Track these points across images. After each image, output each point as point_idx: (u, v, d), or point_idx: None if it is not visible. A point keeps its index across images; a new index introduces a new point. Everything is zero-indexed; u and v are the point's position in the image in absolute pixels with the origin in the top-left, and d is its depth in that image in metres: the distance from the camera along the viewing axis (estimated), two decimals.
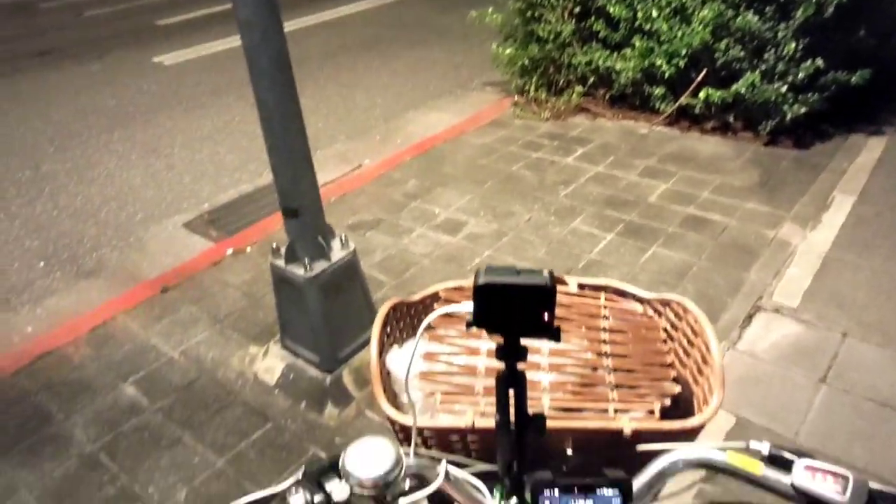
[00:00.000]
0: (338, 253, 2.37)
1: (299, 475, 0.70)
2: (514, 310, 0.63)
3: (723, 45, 4.05)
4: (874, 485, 0.62)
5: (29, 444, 2.31)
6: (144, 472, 2.18)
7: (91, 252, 3.54)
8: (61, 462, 2.23)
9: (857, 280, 2.87)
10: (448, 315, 0.99)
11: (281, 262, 2.35)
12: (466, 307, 0.65)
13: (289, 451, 2.23)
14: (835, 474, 0.62)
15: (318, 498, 0.65)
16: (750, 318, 2.70)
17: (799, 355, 2.47)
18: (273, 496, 0.68)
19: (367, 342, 2.51)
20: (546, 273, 0.62)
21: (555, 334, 0.64)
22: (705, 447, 0.71)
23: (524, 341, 0.66)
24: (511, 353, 0.66)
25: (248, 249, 3.42)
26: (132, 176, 4.41)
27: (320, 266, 2.31)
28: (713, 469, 0.70)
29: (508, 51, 5.04)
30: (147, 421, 2.38)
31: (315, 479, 0.67)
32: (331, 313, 2.37)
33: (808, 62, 3.85)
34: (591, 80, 4.89)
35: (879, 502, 0.61)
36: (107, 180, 4.36)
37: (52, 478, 2.18)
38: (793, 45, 3.84)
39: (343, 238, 2.40)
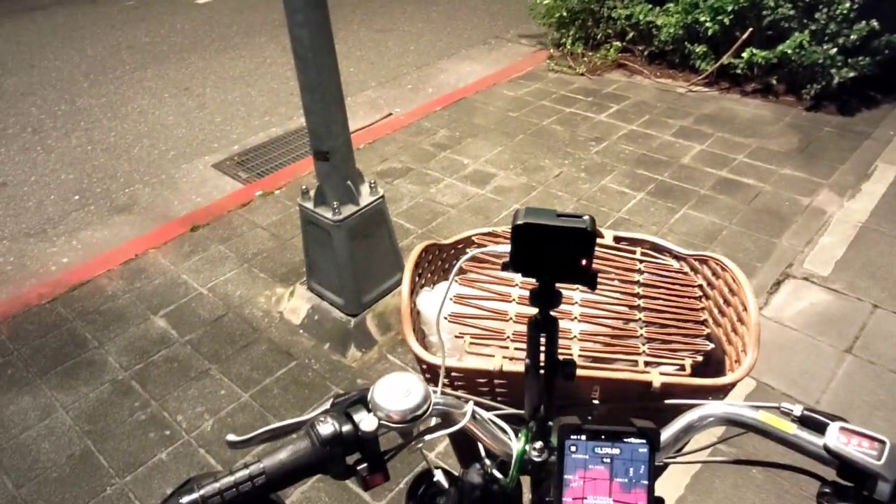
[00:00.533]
0: (366, 198, 2.37)
1: (328, 405, 0.71)
2: (552, 253, 0.62)
3: (772, 1, 3.87)
4: None
5: (65, 368, 2.40)
6: (174, 400, 2.26)
7: (124, 188, 3.59)
8: (95, 386, 2.32)
9: (894, 252, 2.79)
10: (481, 260, 0.99)
11: (310, 205, 2.35)
12: (502, 249, 0.65)
13: (312, 389, 2.28)
14: (871, 438, 0.61)
15: (346, 427, 0.66)
16: (778, 284, 2.65)
17: (826, 324, 2.44)
18: (302, 423, 0.69)
19: (391, 288, 2.54)
20: (587, 217, 0.60)
21: (591, 281, 0.63)
22: (737, 404, 0.70)
23: (559, 287, 0.66)
24: (545, 299, 0.66)
25: (277, 192, 3.44)
26: (164, 114, 4.42)
27: (348, 210, 2.31)
28: (743, 426, 0.70)
29: (547, 1, 4.88)
30: (176, 352, 2.45)
31: (344, 410, 0.68)
32: (357, 257, 2.39)
33: (863, 23, 3.66)
34: (631, 35, 4.73)
35: None
36: (140, 117, 4.39)
37: (88, 400, 2.27)
38: (847, 3, 3.65)
39: (372, 184, 2.40)
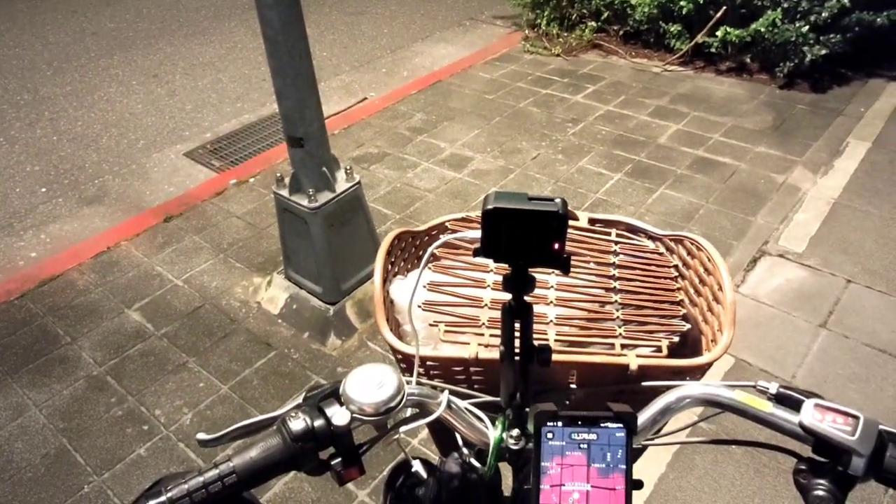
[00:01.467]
0: (342, 184, 2.33)
1: (300, 400, 0.69)
2: (524, 238, 0.60)
3: None
4: (884, 427, 0.61)
5: (37, 366, 2.35)
6: (151, 394, 2.22)
7: (93, 179, 3.51)
8: (69, 383, 2.27)
9: (866, 227, 2.84)
10: (454, 246, 0.97)
11: (285, 192, 2.32)
12: (473, 234, 0.63)
13: (292, 379, 2.26)
14: (845, 414, 0.61)
15: (318, 422, 0.64)
16: (754, 261, 2.68)
17: (801, 300, 2.47)
18: (274, 419, 0.68)
19: (370, 275, 2.51)
20: (558, 200, 0.59)
21: (564, 265, 0.62)
22: (713, 384, 0.70)
23: (532, 272, 0.64)
24: (518, 284, 0.64)
25: (252, 180, 3.39)
26: (133, 102, 4.32)
27: (324, 197, 2.28)
28: (719, 406, 0.70)
29: None
30: (152, 346, 2.41)
31: (316, 404, 0.66)
32: (334, 245, 2.36)
33: (834, 0, 3.68)
34: (606, 15, 4.72)
35: (889, 444, 0.60)
36: (107, 105, 4.28)
37: (62, 397, 2.22)
38: None
39: (348, 169, 2.36)
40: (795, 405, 0.65)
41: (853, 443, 0.59)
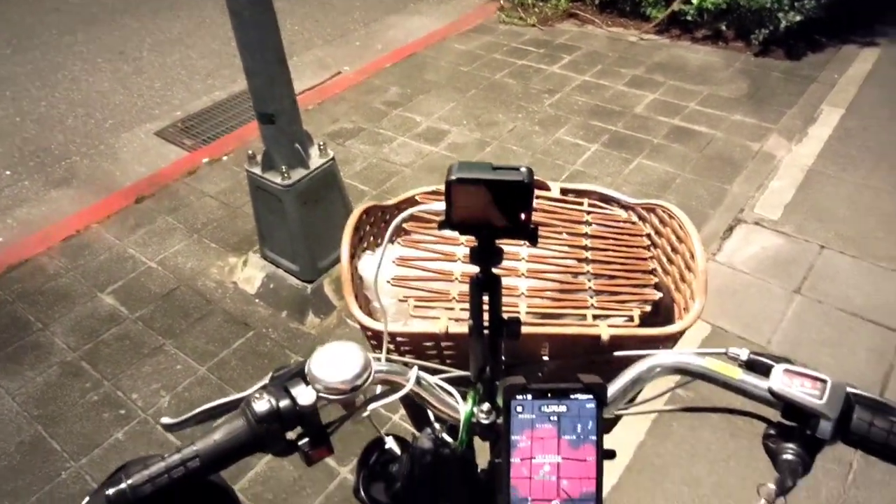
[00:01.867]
0: (316, 161, 2.29)
1: (266, 380, 0.68)
2: (489, 209, 0.58)
3: None
4: (852, 389, 0.61)
5: (8, 353, 2.30)
6: (127, 378, 2.19)
7: (60, 160, 3.41)
8: (42, 370, 2.23)
9: (839, 193, 2.86)
10: (425, 220, 0.95)
11: (257, 170, 2.27)
12: (440, 207, 0.61)
13: (271, 359, 2.24)
14: (813, 378, 0.61)
15: (283, 402, 0.63)
16: (730, 230, 2.70)
17: (776, 267, 2.50)
18: (238, 401, 0.66)
19: None
20: (523, 169, 0.57)
21: (532, 236, 0.60)
22: (683, 353, 0.70)
23: (502, 244, 0.63)
24: (485, 256, 0.63)
25: (224, 158, 3.32)
26: (99, 80, 4.19)
27: (298, 174, 2.24)
28: (690, 374, 0.69)
29: None
30: (127, 330, 2.38)
31: (281, 385, 0.65)
32: (310, 223, 2.33)
33: None
34: None
35: (857, 406, 0.60)
36: (72, 84, 4.15)
37: (35, 384, 2.18)
38: None
39: (321, 145, 2.32)
40: (765, 371, 0.65)
41: (821, 406, 0.60)
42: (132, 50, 4.57)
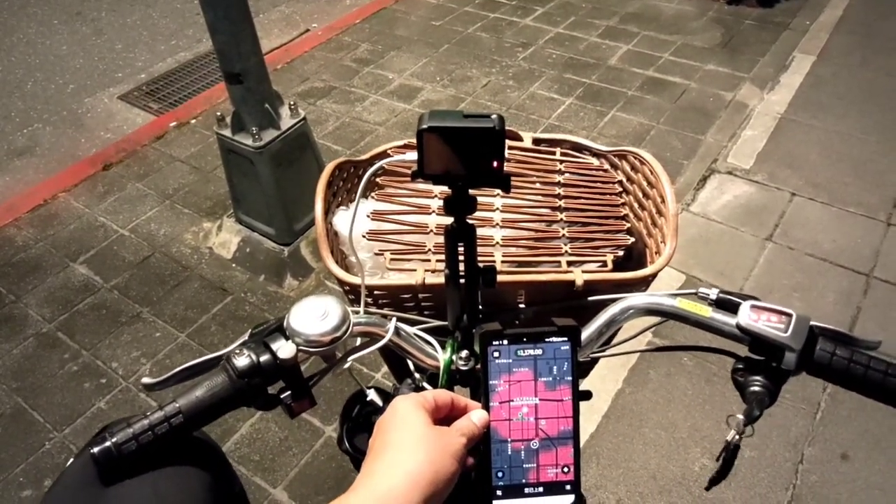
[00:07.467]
0: (287, 121, 2.25)
1: (245, 337, 0.68)
2: (461, 157, 0.58)
3: None
4: (815, 322, 0.63)
5: None
6: (106, 347, 2.18)
7: (21, 128, 3.31)
8: (18, 342, 2.21)
9: (810, 141, 2.90)
10: (399, 174, 0.95)
11: (227, 132, 2.22)
12: (412, 157, 0.61)
13: (251, 322, 2.24)
14: (778, 312, 0.63)
15: (264, 357, 0.63)
16: (704, 180, 2.73)
17: (748, 215, 2.54)
18: (219, 359, 0.67)
19: None
20: (494, 116, 0.57)
21: (504, 183, 0.60)
22: (655, 294, 0.71)
23: (476, 193, 0.63)
24: (459, 205, 0.63)
25: (193, 122, 3.24)
26: (56, 43, 4.03)
27: (269, 135, 2.20)
28: (662, 314, 0.71)
29: None
30: (103, 299, 2.35)
31: (261, 340, 0.65)
32: (284, 185, 2.30)
33: None
34: None
35: (820, 339, 0.63)
36: (28, 48, 3.99)
37: (11, 356, 2.16)
38: None
39: (292, 105, 2.28)
40: (734, 308, 0.67)
41: (786, 339, 0.62)
42: (89, 10, 4.39)
